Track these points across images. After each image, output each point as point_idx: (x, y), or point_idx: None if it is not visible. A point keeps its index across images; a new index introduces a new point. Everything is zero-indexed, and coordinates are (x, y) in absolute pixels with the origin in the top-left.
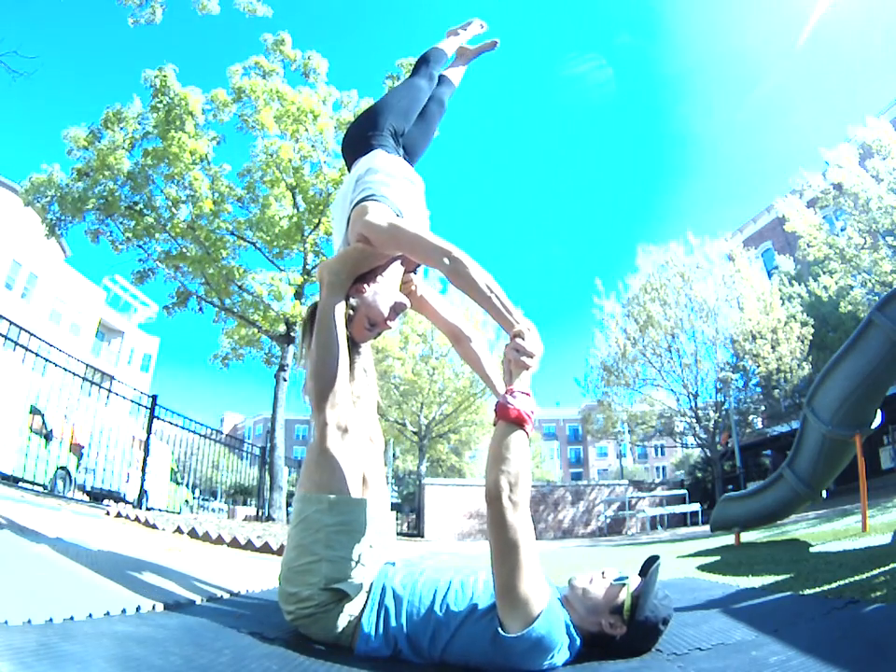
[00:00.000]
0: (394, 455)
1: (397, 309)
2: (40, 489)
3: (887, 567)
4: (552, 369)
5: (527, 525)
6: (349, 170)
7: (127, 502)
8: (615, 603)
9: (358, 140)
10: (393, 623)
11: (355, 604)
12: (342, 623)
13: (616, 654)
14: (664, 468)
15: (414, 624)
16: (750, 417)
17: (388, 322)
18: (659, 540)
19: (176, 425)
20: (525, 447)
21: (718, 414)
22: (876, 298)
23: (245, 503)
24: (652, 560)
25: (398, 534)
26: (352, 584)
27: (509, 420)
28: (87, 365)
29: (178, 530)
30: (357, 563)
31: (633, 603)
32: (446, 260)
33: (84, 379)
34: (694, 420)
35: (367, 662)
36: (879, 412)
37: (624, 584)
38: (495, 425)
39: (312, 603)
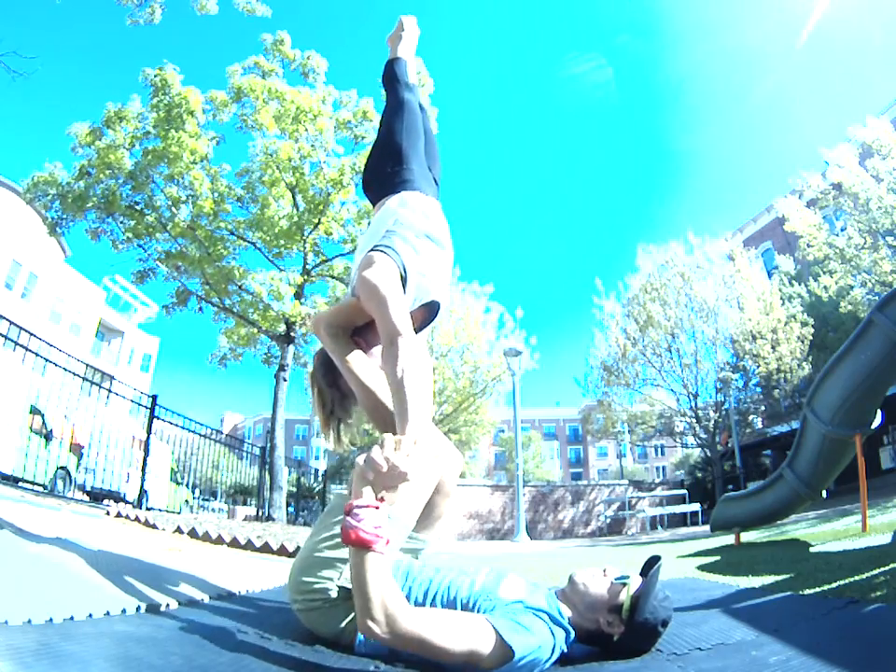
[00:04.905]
0: None
1: None
2: (40, 489)
3: (887, 567)
4: (552, 369)
5: (415, 628)
6: (373, 205)
7: (127, 502)
8: (615, 602)
9: (383, 177)
10: None
11: None
12: (346, 619)
13: (614, 654)
14: (664, 468)
15: None
16: (750, 417)
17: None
18: (659, 540)
19: (176, 425)
20: (379, 569)
21: (718, 414)
22: (876, 298)
23: (245, 503)
24: (654, 561)
25: None
26: None
27: (351, 544)
28: (87, 365)
29: (178, 530)
30: None
31: (632, 603)
32: (389, 342)
33: (84, 379)
34: (694, 420)
35: (366, 663)
36: (879, 412)
37: (625, 584)
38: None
39: (322, 597)
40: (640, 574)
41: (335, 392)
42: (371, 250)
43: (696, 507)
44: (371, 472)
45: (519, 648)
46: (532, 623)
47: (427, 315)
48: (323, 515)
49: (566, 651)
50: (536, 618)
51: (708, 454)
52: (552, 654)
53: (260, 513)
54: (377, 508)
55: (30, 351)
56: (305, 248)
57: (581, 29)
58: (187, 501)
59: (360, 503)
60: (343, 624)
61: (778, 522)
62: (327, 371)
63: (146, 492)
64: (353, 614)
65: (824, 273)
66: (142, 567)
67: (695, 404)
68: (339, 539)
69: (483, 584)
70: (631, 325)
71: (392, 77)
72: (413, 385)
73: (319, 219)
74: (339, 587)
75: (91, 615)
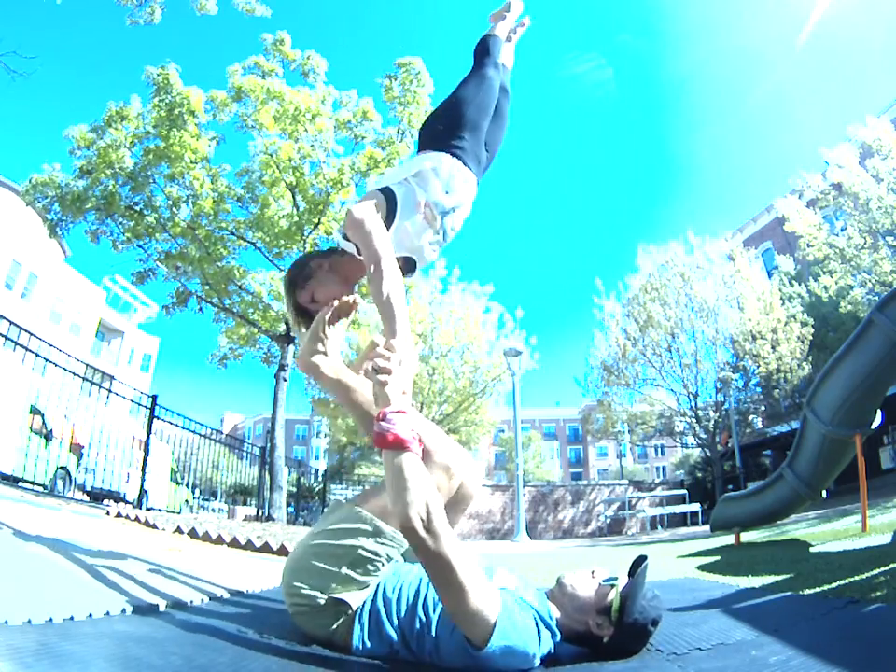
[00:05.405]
0: None
1: (336, 306)
2: (40, 489)
3: (887, 567)
4: (552, 369)
5: (453, 547)
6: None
7: (127, 502)
8: (603, 604)
9: (433, 133)
10: (385, 623)
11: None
12: (336, 622)
13: (605, 655)
14: (664, 468)
15: (403, 627)
16: (750, 417)
17: (324, 307)
18: (659, 540)
19: (176, 425)
20: (419, 469)
21: (718, 414)
22: (876, 298)
23: (245, 503)
24: (640, 560)
25: None
26: (355, 595)
27: (388, 447)
28: (87, 365)
29: (178, 530)
30: (366, 587)
31: (621, 604)
32: (373, 266)
33: (84, 379)
34: (694, 420)
35: (365, 662)
36: (879, 412)
37: (613, 585)
38: (380, 454)
39: (309, 603)
40: (628, 574)
41: (306, 315)
42: (376, 189)
43: (696, 507)
44: (384, 376)
45: (497, 640)
46: (524, 616)
47: (403, 266)
48: (322, 520)
49: (552, 651)
50: (526, 612)
51: (708, 454)
52: (535, 654)
53: (260, 513)
54: (405, 413)
55: (30, 351)
56: (305, 248)
57: (581, 29)
58: (187, 501)
59: (391, 409)
60: (335, 627)
61: (778, 522)
62: (295, 298)
63: (146, 492)
64: (341, 618)
65: (824, 272)
66: (142, 567)
67: (695, 404)
68: (338, 553)
69: None
70: (631, 325)
71: (483, 51)
72: (397, 303)
73: (319, 219)
74: (326, 595)
75: (90, 615)
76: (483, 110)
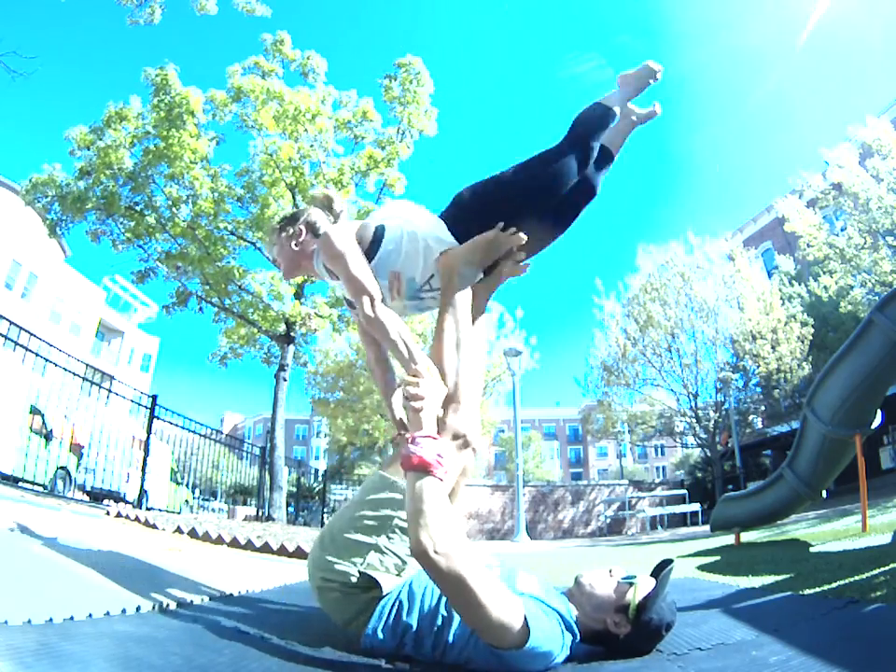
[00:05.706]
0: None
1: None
2: (40, 489)
3: (887, 567)
4: (552, 369)
5: (466, 566)
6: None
7: (127, 502)
8: (622, 602)
9: (458, 209)
10: (404, 618)
11: (377, 596)
12: (358, 610)
13: (617, 653)
14: (664, 468)
15: (423, 622)
16: (750, 417)
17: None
18: (659, 540)
19: (176, 425)
20: (439, 493)
21: (718, 414)
22: (876, 298)
23: (245, 503)
24: (666, 563)
25: None
26: (389, 579)
27: (413, 469)
28: (87, 365)
29: (178, 530)
30: (403, 563)
31: (640, 603)
32: (367, 304)
33: (84, 379)
34: (694, 420)
35: (367, 663)
36: (879, 412)
37: (632, 584)
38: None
39: (342, 580)
40: (651, 575)
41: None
42: (374, 224)
43: (696, 507)
44: (418, 402)
45: (535, 635)
46: (549, 620)
47: None
48: (360, 493)
49: (570, 653)
50: (552, 617)
51: (708, 454)
52: (557, 655)
53: (260, 513)
54: (435, 439)
55: (30, 351)
56: None
57: (581, 29)
58: (187, 501)
59: (422, 434)
60: (356, 615)
61: (778, 522)
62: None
63: (146, 492)
64: (368, 607)
65: (824, 273)
66: (142, 566)
67: (695, 404)
68: (374, 524)
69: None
70: (631, 325)
71: (580, 126)
72: (407, 336)
73: None
74: (360, 573)
75: (90, 615)
76: (531, 204)
